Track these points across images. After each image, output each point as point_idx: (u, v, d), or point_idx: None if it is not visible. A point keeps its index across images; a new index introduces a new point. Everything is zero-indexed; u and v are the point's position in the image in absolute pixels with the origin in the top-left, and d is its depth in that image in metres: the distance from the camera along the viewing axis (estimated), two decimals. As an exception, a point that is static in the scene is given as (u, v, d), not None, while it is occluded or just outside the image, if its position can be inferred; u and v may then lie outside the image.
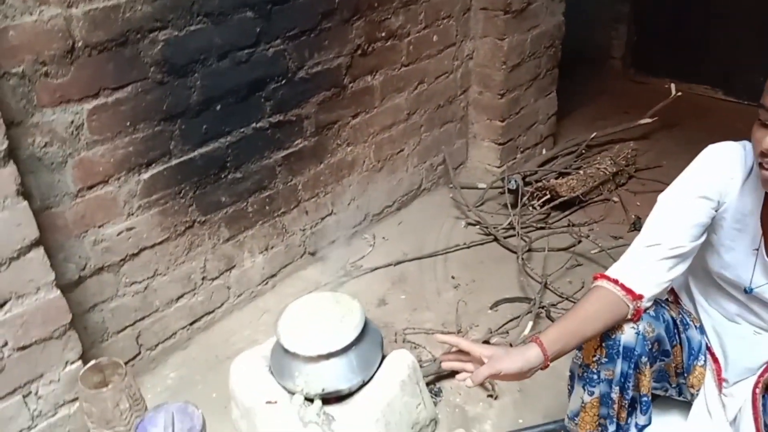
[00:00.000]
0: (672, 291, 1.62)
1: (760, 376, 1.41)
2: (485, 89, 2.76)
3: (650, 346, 1.33)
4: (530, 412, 1.77)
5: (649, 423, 1.41)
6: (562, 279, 2.30)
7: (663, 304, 1.40)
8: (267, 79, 1.97)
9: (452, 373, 1.32)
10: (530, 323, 1.98)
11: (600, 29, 3.98)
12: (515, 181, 2.63)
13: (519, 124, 2.89)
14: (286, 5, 1.93)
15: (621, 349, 1.30)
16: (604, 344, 1.31)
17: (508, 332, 2.05)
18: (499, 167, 2.90)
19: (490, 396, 1.82)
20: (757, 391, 1.39)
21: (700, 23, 3.49)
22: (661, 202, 1.34)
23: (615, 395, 1.34)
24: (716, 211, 1.31)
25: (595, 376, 1.34)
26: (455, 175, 2.84)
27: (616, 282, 1.29)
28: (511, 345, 1.93)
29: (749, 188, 1.28)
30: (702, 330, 1.49)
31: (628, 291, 1.28)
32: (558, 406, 1.75)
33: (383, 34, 2.29)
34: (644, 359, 1.33)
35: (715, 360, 1.48)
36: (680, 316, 1.46)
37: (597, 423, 1.38)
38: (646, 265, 1.30)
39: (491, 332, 2.01)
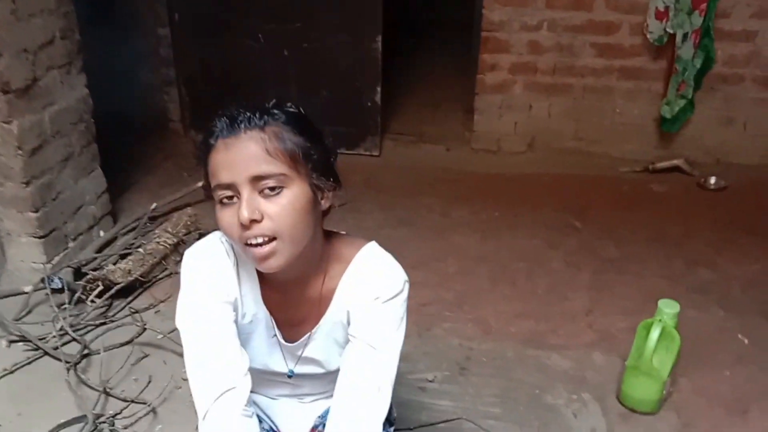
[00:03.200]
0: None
1: (310, 439, 1.40)
2: (5, 179, 2.35)
3: None
4: None
5: None
6: (127, 378, 2.06)
7: None
8: None
9: None
10: (81, 454, 1.68)
11: (153, 94, 3.87)
12: (59, 279, 2.29)
13: (60, 210, 2.55)
14: None
15: None
16: None
17: (63, 470, 1.72)
18: (48, 262, 2.51)
19: None
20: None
21: (241, 78, 3.62)
22: (190, 341, 1.16)
23: None
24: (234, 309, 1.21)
25: None
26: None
27: None
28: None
29: (244, 277, 1.22)
30: (259, 417, 1.42)
31: None
32: None
33: None
34: None
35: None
36: None
37: None
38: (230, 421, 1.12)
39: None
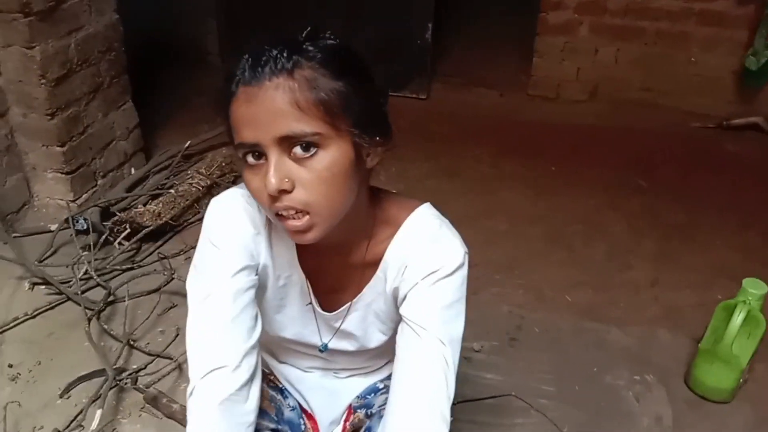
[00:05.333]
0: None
1: (345, 421, 1.25)
2: (28, 110, 2.20)
3: None
4: None
5: None
6: (153, 330, 1.94)
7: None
8: None
9: None
10: (99, 412, 1.56)
11: (189, 25, 3.66)
12: (84, 219, 2.16)
13: (89, 145, 2.40)
14: None
15: None
16: None
17: (82, 426, 1.61)
18: (75, 200, 2.38)
19: None
20: (346, 436, 1.22)
21: (286, 9, 3.37)
22: (196, 302, 0.98)
23: None
24: (257, 274, 1.02)
25: None
26: (16, 222, 2.25)
27: None
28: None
29: (277, 237, 1.03)
30: (287, 392, 1.26)
31: None
32: None
33: None
34: None
35: (309, 416, 1.27)
36: (273, 408, 1.18)
37: None
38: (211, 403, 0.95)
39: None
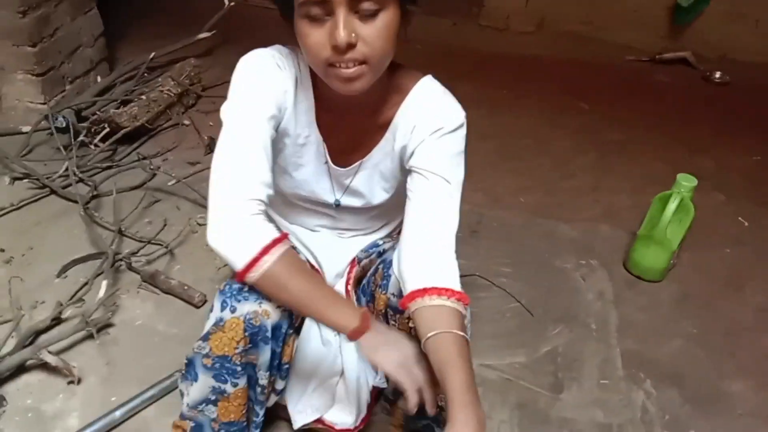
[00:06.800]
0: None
1: (348, 273, 1.40)
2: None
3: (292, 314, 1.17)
4: (123, 386, 1.50)
5: (287, 384, 1.30)
6: (140, 221, 2.03)
7: None
8: None
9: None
10: (104, 282, 1.67)
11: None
12: (63, 117, 2.19)
13: (58, 48, 2.40)
14: None
15: (269, 334, 1.12)
16: (247, 334, 1.10)
17: (84, 300, 1.71)
18: (44, 103, 2.40)
19: (71, 382, 1.50)
20: (349, 287, 1.38)
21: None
22: (230, 132, 1.07)
23: (264, 380, 1.17)
24: (276, 130, 1.15)
25: (239, 368, 1.12)
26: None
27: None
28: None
29: (300, 98, 1.16)
30: (295, 249, 1.41)
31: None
32: (151, 368, 1.53)
33: None
34: (290, 331, 1.18)
35: (317, 271, 1.42)
36: None
37: (242, 410, 1.19)
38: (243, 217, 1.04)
39: (62, 305, 1.65)
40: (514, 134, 2.79)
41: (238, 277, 1.04)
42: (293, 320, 1.21)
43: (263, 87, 1.11)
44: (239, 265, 1.02)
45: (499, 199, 2.37)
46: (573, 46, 3.54)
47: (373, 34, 0.98)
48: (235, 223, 1.03)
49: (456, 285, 1.08)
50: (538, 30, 3.61)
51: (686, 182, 1.92)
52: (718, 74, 3.37)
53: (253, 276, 1.02)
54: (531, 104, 3.02)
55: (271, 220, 1.08)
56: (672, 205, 1.89)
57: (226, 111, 1.10)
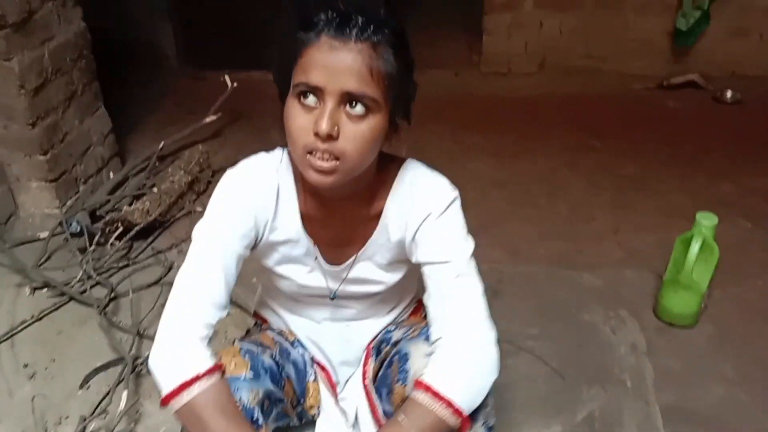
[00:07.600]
0: (256, 314, 1.49)
1: (364, 366, 1.37)
2: (9, 121, 2.25)
3: (262, 408, 1.15)
4: None
5: None
6: (157, 321, 1.97)
7: (256, 349, 1.21)
8: None
9: None
10: (125, 392, 1.66)
11: (146, 28, 3.70)
12: (77, 222, 2.22)
13: (69, 152, 2.45)
14: None
15: None
16: None
17: (107, 412, 1.70)
18: (60, 207, 2.44)
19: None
20: (367, 382, 1.35)
21: (238, 8, 3.46)
22: (193, 252, 1.12)
23: None
24: (257, 243, 1.17)
25: None
26: (4, 233, 2.30)
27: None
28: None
29: (283, 206, 1.17)
30: (299, 343, 1.39)
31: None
32: None
33: None
34: (261, 422, 1.14)
35: (323, 368, 1.40)
36: (276, 345, 1.32)
37: None
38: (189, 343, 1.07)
39: (85, 419, 1.64)
40: (526, 180, 2.76)
41: (162, 403, 1.03)
42: (264, 410, 1.15)
43: (235, 206, 1.12)
44: (163, 391, 1.02)
45: (518, 252, 2.33)
46: (578, 82, 3.52)
47: (356, 134, 0.99)
48: (171, 349, 1.05)
49: (465, 401, 1.06)
50: (540, 70, 3.61)
51: (707, 221, 1.86)
52: (729, 93, 3.31)
53: (175, 404, 1.02)
54: (541, 147, 2.99)
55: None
56: (695, 248, 1.83)
57: (195, 230, 1.13)
